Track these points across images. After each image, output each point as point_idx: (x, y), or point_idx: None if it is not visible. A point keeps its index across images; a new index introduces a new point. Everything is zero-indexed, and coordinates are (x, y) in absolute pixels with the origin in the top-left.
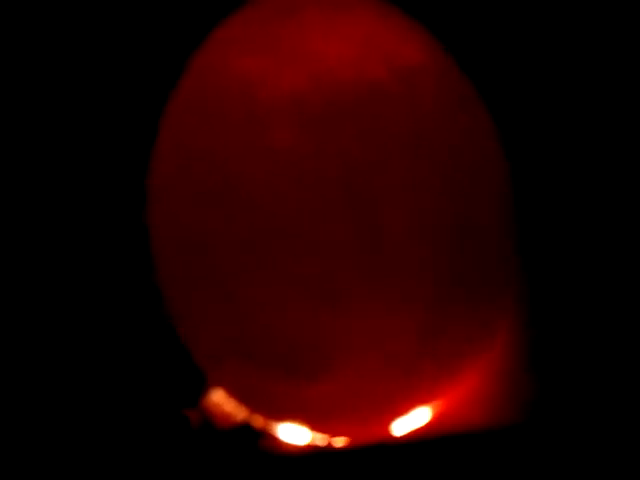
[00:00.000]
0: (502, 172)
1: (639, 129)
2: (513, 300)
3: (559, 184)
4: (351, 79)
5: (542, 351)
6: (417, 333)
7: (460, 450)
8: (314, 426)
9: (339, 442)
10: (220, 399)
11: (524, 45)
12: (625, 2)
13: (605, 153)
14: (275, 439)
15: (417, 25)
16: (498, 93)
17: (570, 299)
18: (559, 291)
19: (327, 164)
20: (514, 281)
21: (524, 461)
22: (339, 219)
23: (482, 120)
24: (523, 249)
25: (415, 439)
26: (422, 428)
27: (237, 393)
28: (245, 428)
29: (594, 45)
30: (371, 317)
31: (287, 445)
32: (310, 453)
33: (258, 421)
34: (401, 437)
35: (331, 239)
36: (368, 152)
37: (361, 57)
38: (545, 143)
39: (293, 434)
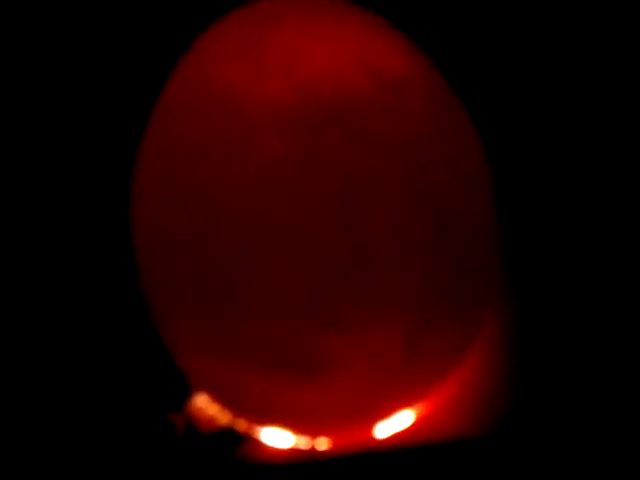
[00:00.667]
0: (486, 178)
1: (621, 135)
2: (497, 307)
3: (541, 188)
4: (336, 89)
5: (525, 354)
6: (403, 341)
7: (440, 457)
8: (297, 429)
9: (322, 445)
10: (204, 403)
11: (509, 56)
12: (608, 12)
13: (588, 158)
14: (258, 443)
15: (402, 36)
16: (483, 103)
17: (554, 301)
18: (543, 296)
19: (312, 173)
20: (498, 288)
21: (504, 467)
22: (324, 228)
23: (467, 129)
24: (508, 255)
25: (397, 446)
26: (405, 431)
27: (221, 397)
28: (228, 432)
29: (577, 58)
30: (357, 325)
31: (270, 449)
32: (293, 458)
33: (241, 425)
34: (384, 442)
35: (316, 248)
36: (354, 161)
37: (347, 67)
38: (528, 149)
39: (276, 438)
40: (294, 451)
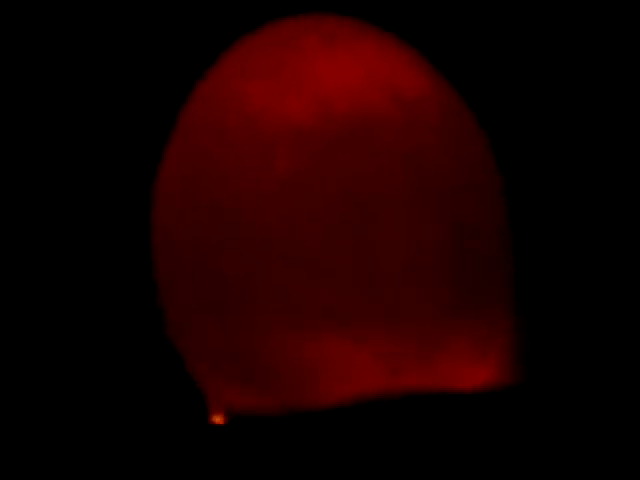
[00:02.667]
0: (498, 189)
1: (626, 145)
2: (509, 318)
3: (554, 209)
4: (353, 108)
5: (536, 361)
6: (418, 353)
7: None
8: None
9: None
10: None
11: (525, 77)
12: (608, 23)
13: (599, 169)
14: None
15: (418, 55)
16: (498, 122)
17: (564, 310)
18: (553, 303)
19: (328, 189)
20: (510, 299)
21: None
22: (339, 243)
23: (480, 145)
24: (519, 266)
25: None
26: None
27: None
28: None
29: (589, 78)
30: (373, 338)
31: None
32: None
33: None
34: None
35: (331, 263)
36: (370, 180)
37: (363, 86)
38: (542, 171)
39: None
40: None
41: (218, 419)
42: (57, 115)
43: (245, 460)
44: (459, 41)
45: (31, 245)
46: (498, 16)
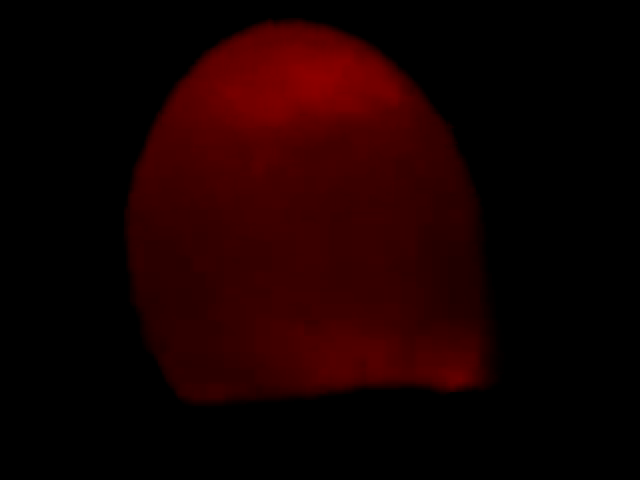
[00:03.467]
0: (473, 207)
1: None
2: (484, 324)
3: (526, 213)
4: (331, 112)
5: (511, 364)
6: (387, 360)
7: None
8: None
9: None
10: None
11: (501, 90)
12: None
13: (573, 179)
14: None
15: (394, 64)
16: (471, 133)
17: (539, 313)
18: (528, 306)
19: (304, 193)
20: (485, 307)
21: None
22: (316, 247)
23: (452, 152)
24: (494, 270)
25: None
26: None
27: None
28: None
29: (561, 85)
30: (343, 342)
31: None
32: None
33: None
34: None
35: (307, 266)
36: (347, 182)
37: (341, 92)
38: (517, 182)
39: None
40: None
41: (187, 410)
42: (33, 113)
43: (209, 448)
44: (432, 51)
45: (6, 248)
46: (470, 25)
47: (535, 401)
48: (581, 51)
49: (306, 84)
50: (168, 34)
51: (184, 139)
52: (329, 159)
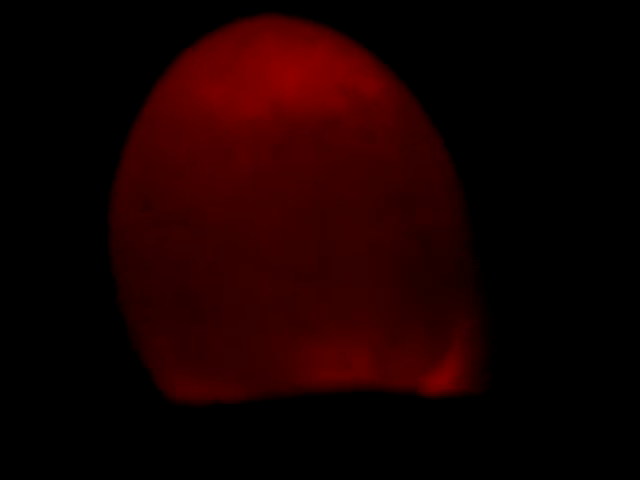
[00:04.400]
0: (456, 188)
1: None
2: (471, 327)
3: (513, 208)
4: (309, 107)
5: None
6: (371, 352)
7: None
8: None
9: None
10: None
11: (484, 81)
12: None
13: (559, 170)
14: None
15: (373, 57)
16: (455, 125)
17: (529, 315)
18: (519, 308)
19: (284, 188)
20: (473, 299)
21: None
22: (300, 242)
23: (436, 144)
24: (483, 269)
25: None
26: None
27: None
28: None
29: (545, 78)
30: (328, 336)
31: None
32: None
33: None
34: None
35: (291, 261)
36: (328, 178)
37: (320, 86)
38: (502, 175)
39: None
40: None
41: (175, 410)
42: (10, 111)
43: (196, 448)
44: (414, 43)
45: None
46: (453, 19)
47: (526, 408)
48: (566, 40)
49: (284, 79)
50: (145, 34)
51: (163, 139)
52: (309, 154)
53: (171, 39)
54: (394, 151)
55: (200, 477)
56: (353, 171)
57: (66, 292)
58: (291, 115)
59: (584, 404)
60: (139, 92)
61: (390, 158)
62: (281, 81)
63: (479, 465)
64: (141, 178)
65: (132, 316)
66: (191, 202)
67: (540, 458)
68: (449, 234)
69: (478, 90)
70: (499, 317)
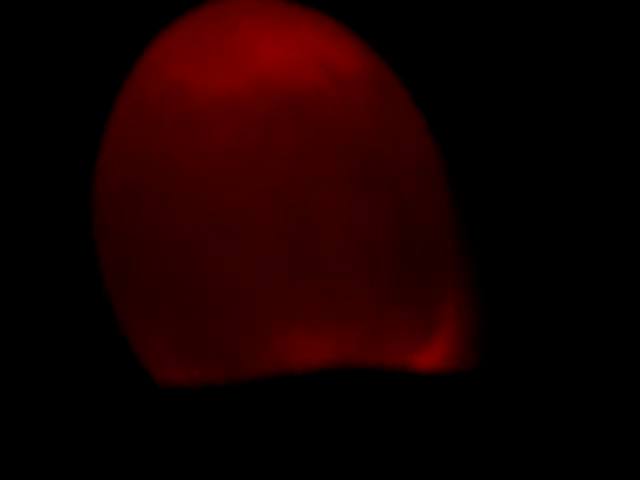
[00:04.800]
0: (439, 173)
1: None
2: (460, 299)
3: (497, 183)
4: (286, 82)
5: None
6: (357, 330)
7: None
8: None
9: None
10: None
11: (463, 53)
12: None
13: (538, 148)
14: None
15: (353, 34)
16: (434, 97)
17: (522, 294)
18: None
19: (265, 166)
20: (458, 279)
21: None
22: (281, 220)
23: (417, 123)
24: (471, 246)
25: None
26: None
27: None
28: None
29: (529, 54)
30: (309, 313)
31: None
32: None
33: None
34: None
35: (271, 240)
36: (310, 155)
37: (296, 62)
38: (482, 146)
39: None
40: None
41: (163, 392)
42: None
43: (185, 431)
44: (394, 19)
45: None
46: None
47: (516, 385)
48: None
49: (263, 56)
50: (120, 17)
51: (144, 121)
52: (288, 131)
53: (147, 21)
54: (373, 127)
55: (187, 460)
56: (333, 146)
57: (52, 279)
58: (271, 91)
59: (574, 380)
60: (117, 75)
61: (369, 133)
62: (258, 59)
63: (469, 442)
64: (122, 163)
65: (117, 299)
66: (172, 182)
67: (530, 435)
68: (432, 210)
69: (463, 72)
70: (489, 294)
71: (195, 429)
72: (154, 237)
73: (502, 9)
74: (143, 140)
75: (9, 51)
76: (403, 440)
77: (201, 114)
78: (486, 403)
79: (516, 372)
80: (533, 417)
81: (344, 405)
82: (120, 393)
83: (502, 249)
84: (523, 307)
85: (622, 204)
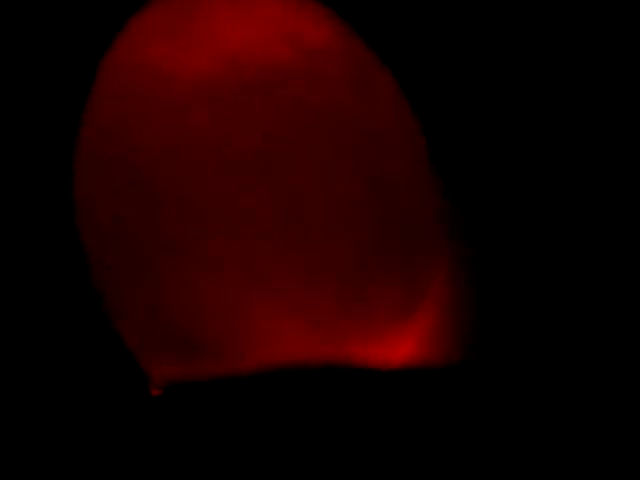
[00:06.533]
0: (417, 145)
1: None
2: (443, 263)
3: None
4: (259, 59)
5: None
6: (337, 301)
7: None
8: None
9: None
10: None
11: (438, 26)
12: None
13: (514, 119)
14: None
15: (323, 7)
16: (410, 71)
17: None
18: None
19: (244, 144)
20: (442, 245)
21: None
22: (257, 198)
23: (398, 103)
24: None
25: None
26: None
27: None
28: None
29: (505, 25)
30: (291, 289)
31: None
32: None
33: None
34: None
35: (249, 217)
36: (284, 131)
37: (269, 38)
38: (461, 119)
39: None
40: None
41: (155, 390)
42: None
43: (176, 427)
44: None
45: None
46: None
47: (506, 377)
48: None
49: (234, 32)
50: (90, 3)
51: (119, 104)
52: (264, 107)
53: (117, 7)
54: (346, 100)
55: (182, 456)
56: (304, 121)
57: (44, 277)
58: (242, 67)
59: (565, 371)
60: (91, 60)
61: (342, 107)
62: (231, 35)
63: (457, 434)
64: (100, 150)
65: (111, 298)
66: (148, 162)
67: (519, 427)
68: (412, 184)
69: (437, 39)
70: (477, 283)
71: (190, 425)
72: (138, 227)
73: None
74: (120, 120)
75: None
76: (392, 435)
77: (177, 97)
78: (475, 396)
79: (505, 365)
80: (522, 411)
81: (334, 402)
82: (115, 390)
83: (490, 237)
84: (513, 298)
85: (612, 189)
